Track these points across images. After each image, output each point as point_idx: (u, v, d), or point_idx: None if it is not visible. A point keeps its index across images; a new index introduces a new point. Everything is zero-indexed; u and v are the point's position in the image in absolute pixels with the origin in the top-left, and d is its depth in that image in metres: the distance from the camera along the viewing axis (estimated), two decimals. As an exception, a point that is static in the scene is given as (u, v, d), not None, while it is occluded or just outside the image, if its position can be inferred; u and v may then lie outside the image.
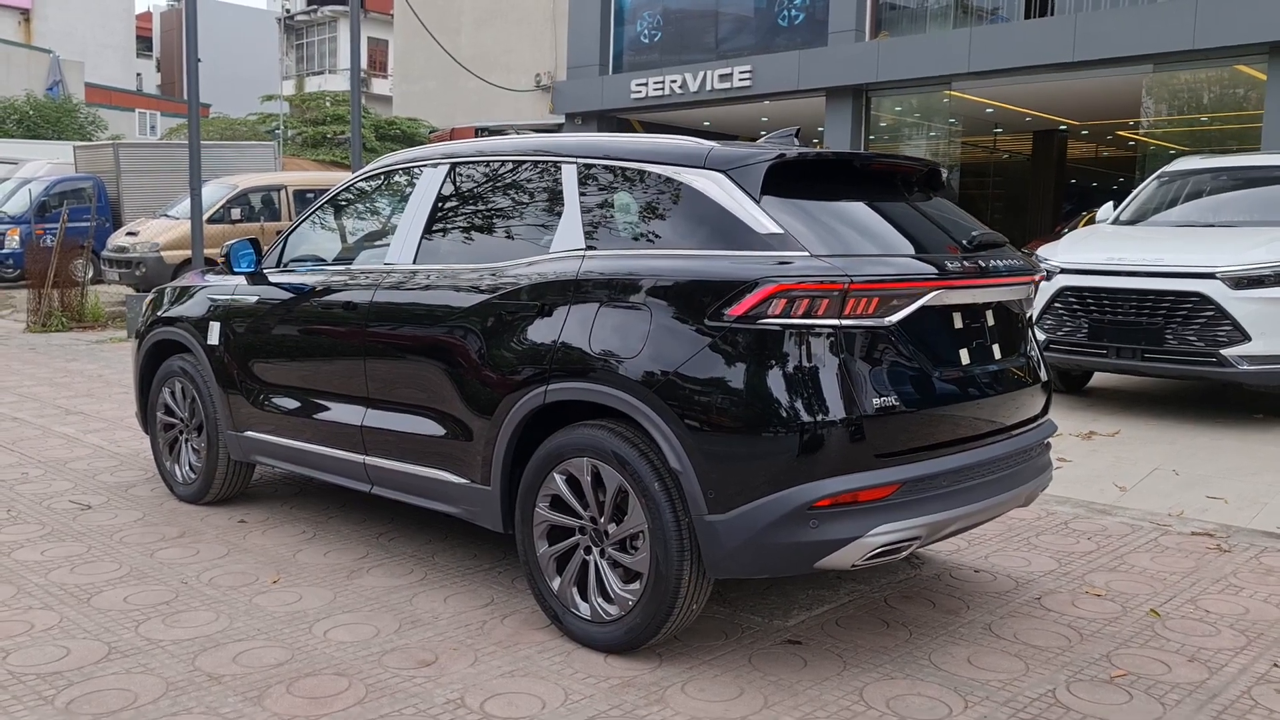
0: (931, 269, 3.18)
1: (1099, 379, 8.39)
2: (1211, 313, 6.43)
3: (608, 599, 3.30)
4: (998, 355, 3.49)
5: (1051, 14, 14.64)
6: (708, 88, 17.04)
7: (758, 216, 3.14)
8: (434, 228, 4.03)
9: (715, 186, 3.25)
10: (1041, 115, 18.42)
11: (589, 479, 3.31)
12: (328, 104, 33.71)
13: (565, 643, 3.41)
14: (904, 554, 3.20)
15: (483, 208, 3.97)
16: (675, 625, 3.22)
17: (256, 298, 4.61)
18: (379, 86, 41.96)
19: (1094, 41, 13.28)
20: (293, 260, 4.66)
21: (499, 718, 2.90)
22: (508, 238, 3.81)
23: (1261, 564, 4.33)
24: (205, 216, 12.89)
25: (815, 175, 3.37)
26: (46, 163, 21.16)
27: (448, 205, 4.03)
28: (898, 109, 16.65)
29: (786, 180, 3.24)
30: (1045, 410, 3.79)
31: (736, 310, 3.01)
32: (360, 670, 3.19)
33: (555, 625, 3.47)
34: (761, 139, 3.85)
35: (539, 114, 32.88)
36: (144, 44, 56.70)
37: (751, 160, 3.24)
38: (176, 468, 5.12)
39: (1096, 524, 4.89)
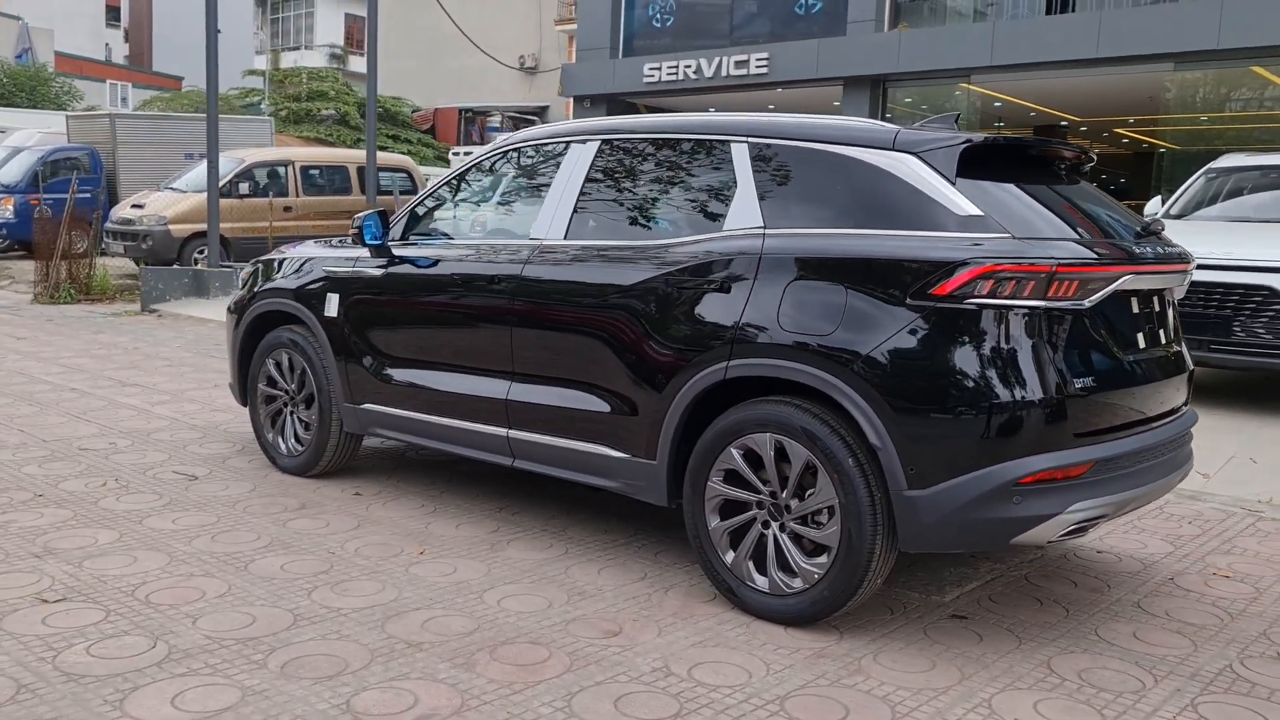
0: (1123, 253, 3.25)
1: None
2: (1281, 306, 6.59)
3: (789, 572, 3.35)
4: (1163, 340, 3.58)
5: (1073, 10, 14.82)
6: (723, 74, 17.04)
7: (955, 199, 3.19)
8: (586, 203, 4.03)
9: (907, 168, 3.29)
10: (1046, 110, 18.64)
11: (771, 454, 3.35)
12: (304, 79, 33.23)
13: (740, 615, 3.45)
14: (1087, 532, 3.27)
15: (641, 185, 3.97)
16: (861, 598, 3.27)
17: (384, 270, 4.57)
18: (356, 64, 41.42)
19: (1117, 38, 13.46)
20: (416, 234, 4.64)
21: (711, 685, 2.94)
22: (670, 215, 3.83)
23: (1369, 549, 4.47)
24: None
25: (994, 160, 3.42)
26: (36, 132, 20.71)
27: (601, 181, 4.04)
28: (908, 100, 16.78)
29: (972, 164, 3.29)
30: (1189, 398, 3.89)
31: (942, 290, 3.06)
32: (553, 639, 3.21)
33: (728, 598, 3.51)
34: (919, 124, 3.90)
35: (520, 96, 32.74)
36: (112, 14, 55.49)
37: (944, 144, 3.29)
38: (280, 440, 5.09)
39: (1191, 509, 5.01)
